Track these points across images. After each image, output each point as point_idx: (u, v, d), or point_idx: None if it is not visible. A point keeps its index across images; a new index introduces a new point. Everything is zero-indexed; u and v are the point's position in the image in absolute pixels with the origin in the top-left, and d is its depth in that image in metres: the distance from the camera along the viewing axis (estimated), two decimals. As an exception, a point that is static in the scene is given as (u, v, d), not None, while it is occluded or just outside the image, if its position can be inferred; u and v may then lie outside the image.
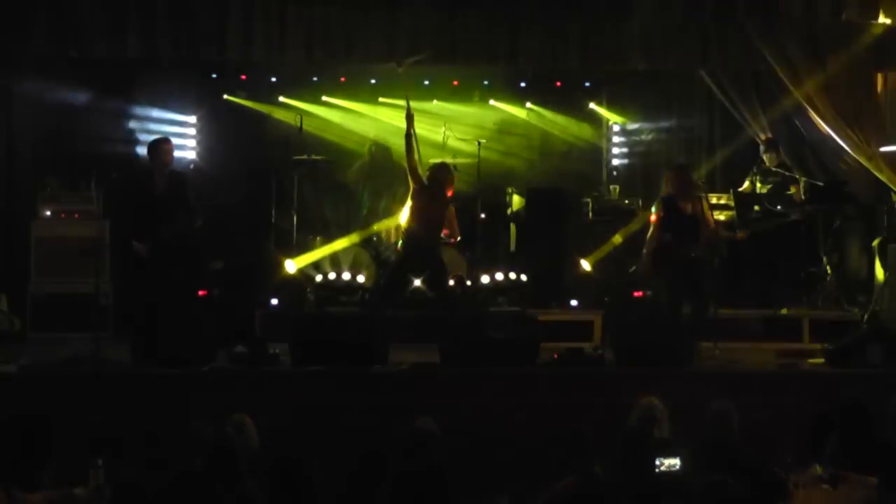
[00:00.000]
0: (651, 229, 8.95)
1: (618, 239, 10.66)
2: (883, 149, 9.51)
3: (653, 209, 9.08)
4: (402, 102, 11.61)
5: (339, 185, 11.46)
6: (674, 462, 4.97)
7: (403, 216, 9.12)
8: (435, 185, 8.84)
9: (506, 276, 10.61)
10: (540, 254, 11.09)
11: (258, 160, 11.49)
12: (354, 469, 4.70)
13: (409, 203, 8.85)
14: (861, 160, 9.92)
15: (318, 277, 9.98)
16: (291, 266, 10.35)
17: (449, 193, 8.92)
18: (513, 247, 11.52)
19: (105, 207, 8.87)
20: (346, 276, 9.91)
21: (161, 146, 8.81)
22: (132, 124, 11.02)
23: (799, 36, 9.31)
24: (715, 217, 9.36)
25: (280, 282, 10.34)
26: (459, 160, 10.90)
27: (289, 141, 10.50)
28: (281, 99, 11.53)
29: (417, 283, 9.44)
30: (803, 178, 10.30)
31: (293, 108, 11.32)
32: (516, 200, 11.51)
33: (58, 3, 8.89)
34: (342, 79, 11.49)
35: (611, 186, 11.72)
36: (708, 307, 8.66)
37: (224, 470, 4.60)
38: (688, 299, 8.69)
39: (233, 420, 5.54)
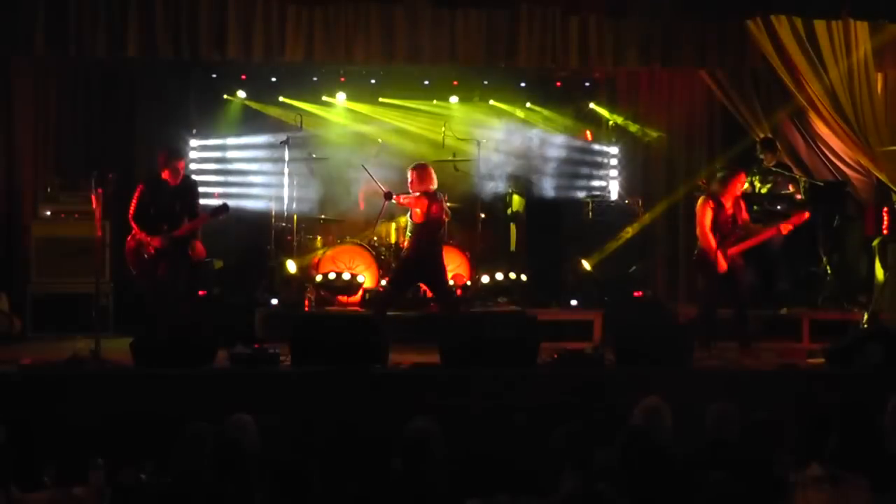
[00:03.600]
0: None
1: (628, 232, 10.72)
2: (883, 149, 9.52)
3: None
4: (402, 102, 11.70)
5: (339, 184, 11.46)
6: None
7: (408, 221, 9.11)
8: (429, 185, 8.85)
9: (506, 276, 10.62)
10: (540, 254, 11.11)
11: (257, 160, 11.50)
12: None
13: (419, 213, 8.78)
14: (861, 160, 9.93)
15: (318, 277, 9.97)
16: (291, 266, 10.36)
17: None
18: (513, 247, 11.52)
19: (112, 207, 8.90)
20: (346, 276, 9.90)
21: (173, 158, 8.79)
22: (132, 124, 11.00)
23: (798, 36, 9.30)
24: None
25: (280, 282, 10.35)
26: (459, 160, 10.90)
27: (289, 141, 10.48)
28: (281, 99, 11.53)
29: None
30: (803, 178, 10.31)
31: (293, 108, 11.32)
32: (516, 200, 11.52)
33: (58, 3, 8.88)
34: (342, 79, 11.48)
35: (611, 186, 11.72)
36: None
37: (228, 469, 4.59)
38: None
39: (233, 420, 5.53)
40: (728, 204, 8.75)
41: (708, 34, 9.69)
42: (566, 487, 5.05)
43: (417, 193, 8.80)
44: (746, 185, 10.31)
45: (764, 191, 10.30)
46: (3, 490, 4.87)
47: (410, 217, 8.96)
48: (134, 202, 8.73)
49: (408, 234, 9.11)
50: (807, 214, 9.13)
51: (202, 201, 9.16)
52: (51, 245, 9.74)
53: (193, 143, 11.36)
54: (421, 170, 8.91)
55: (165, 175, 8.72)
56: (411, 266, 8.92)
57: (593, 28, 9.58)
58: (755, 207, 10.22)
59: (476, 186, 10.87)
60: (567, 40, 9.60)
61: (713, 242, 8.61)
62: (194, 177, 9.54)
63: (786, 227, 8.85)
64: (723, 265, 8.60)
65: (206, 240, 9.62)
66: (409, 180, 8.89)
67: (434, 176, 8.93)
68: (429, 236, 8.85)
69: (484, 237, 11.07)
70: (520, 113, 11.95)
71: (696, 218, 8.79)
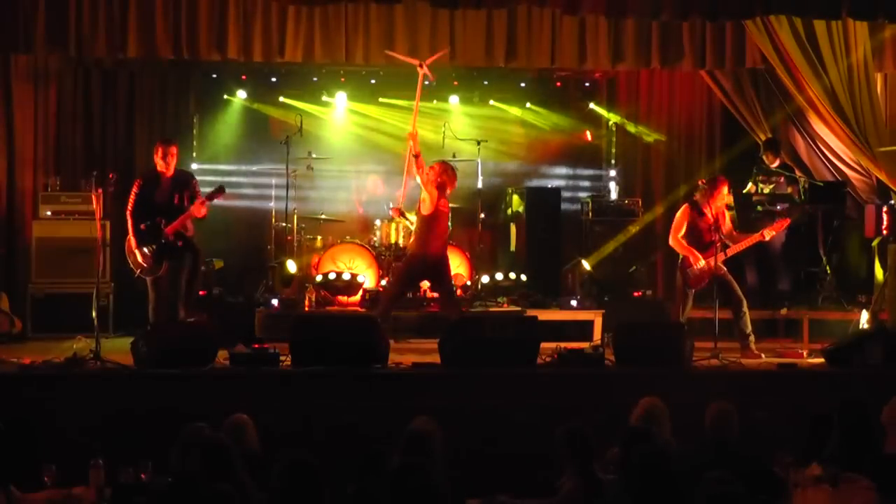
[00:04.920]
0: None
1: (629, 232, 10.84)
2: (883, 149, 9.51)
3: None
4: (402, 102, 11.69)
5: (339, 184, 11.46)
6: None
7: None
8: (449, 183, 8.64)
9: (506, 276, 10.62)
10: (540, 254, 11.11)
11: (258, 160, 11.50)
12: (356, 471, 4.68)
13: (429, 204, 8.49)
14: (861, 160, 9.93)
15: (318, 277, 9.97)
16: (291, 266, 10.36)
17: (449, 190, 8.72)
18: (513, 247, 11.53)
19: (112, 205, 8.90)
20: (346, 276, 9.90)
21: (165, 145, 8.78)
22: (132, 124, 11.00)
23: (798, 36, 9.30)
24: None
25: (280, 282, 10.35)
26: (459, 160, 10.90)
27: (289, 141, 10.48)
28: (281, 99, 11.53)
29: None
30: (803, 178, 10.31)
31: (293, 108, 11.32)
32: (516, 200, 11.51)
33: (58, 2, 8.88)
34: (342, 79, 11.48)
35: (611, 186, 11.72)
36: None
37: (218, 469, 4.58)
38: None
39: (232, 420, 5.53)
40: (710, 213, 8.78)
41: (708, 34, 9.68)
42: (566, 487, 5.06)
43: (436, 182, 8.48)
44: (750, 186, 10.35)
45: (766, 191, 10.30)
46: (3, 490, 4.87)
47: (418, 209, 8.72)
48: (132, 197, 8.70)
49: (411, 228, 9.04)
50: (787, 221, 9.21)
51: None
52: (51, 245, 9.73)
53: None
54: (448, 167, 8.62)
55: (161, 167, 8.68)
56: (418, 262, 8.62)
57: (593, 28, 9.58)
58: (758, 208, 10.24)
59: (476, 186, 10.87)
60: (567, 40, 9.59)
61: (683, 244, 8.78)
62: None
63: (768, 233, 8.92)
64: (697, 259, 8.68)
65: (206, 240, 9.63)
66: (429, 168, 8.52)
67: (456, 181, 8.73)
68: (435, 231, 8.54)
69: (484, 237, 11.08)
70: (520, 113, 11.95)
71: (672, 223, 8.98)
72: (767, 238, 8.98)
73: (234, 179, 11.54)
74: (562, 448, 5.16)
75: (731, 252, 8.84)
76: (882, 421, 5.57)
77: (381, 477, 4.43)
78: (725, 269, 8.77)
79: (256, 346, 7.92)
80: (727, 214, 9.01)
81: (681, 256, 8.89)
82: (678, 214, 9.00)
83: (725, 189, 8.90)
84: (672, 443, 5.67)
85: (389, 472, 4.37)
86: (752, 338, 8.72)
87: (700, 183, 9.48)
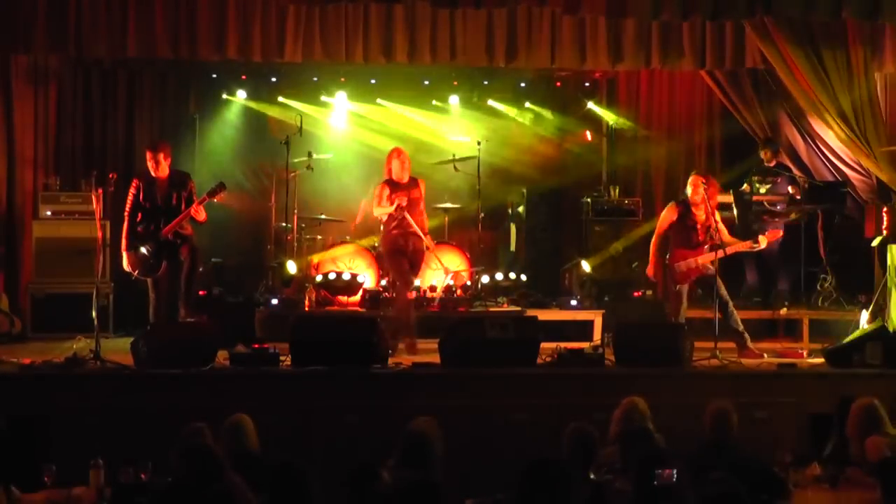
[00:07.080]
0: None
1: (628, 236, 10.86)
2: (883, 149, 9.51)
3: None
4: (402, 102, 11.69)
5: (339, 184, 11.45)
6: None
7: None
8: None
9: (506, 276, 10.62)
10: (540, 253, 11.11)
11: (258, 160, 11.49)
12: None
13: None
14: (861, 160, 9.92)
15: (318, 277, 9.97)
16: (291, 266, 10.35)
17: None
18: (513, 247, 11.52)
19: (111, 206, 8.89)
20: (346, 276, 9.89)
21: (155, 150, 8.78)
22: (132, 124, 11.00)
23: (798, 36, 9.29)
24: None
25: (280, 282, 10.35)
26: (459, 160, 10.90)
27: (288, 141, 10.47)
28: (281, 99, 11.52)
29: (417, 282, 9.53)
30: (803, 178, 10.31)
31: (293, 108, 11.31)
32: (516, 200, 11.51)
33: (58, 2, 8.87)
34: (342, 79, 11.47)
35: (611, 187, 11.73)
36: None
37: (205, 474, 4.56)
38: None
39: (232, 420, 5.53)
40: (699, 211, 8.78)
41: (708, 34, 9.68)
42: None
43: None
44: (747, 185, 10.35)
45: (763, 191, 10.30)
46: (4, 490, 4.87)
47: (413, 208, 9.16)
48: (130, 197, 8.70)
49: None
50: (780, 232, 9.50)
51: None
52: (51, 245, 9.73)
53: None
54: None
55: (154, 169, 8.69)
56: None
57: (592, 28, 9.57)
58: (754, 208, 10.24)
59: (476, 186, 10.87)
60: (567, 40, 9.59)
61: (652, 247, 9.04)
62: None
63: (763, 240, 8.92)
64: (650, 271, 9.01)
65: (207, 240, 9.62)
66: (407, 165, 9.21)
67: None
68: None
69: (484, 237, 11.08)
70: (519, 113, 11.94)
71: None
72: (763, 245, 8.96)
73: (233, 179, 11.54)
74: (567, 448, 5.17)
75: (717, 255, 8.72)
76: (847, 434, 5.58)
77: (372, 494, 4.39)
78: (714, 269, 8.70)
79: (256, 346, 7.92)
80: (717, 216, 8.96)
81: (669, 253, 8.95)
82: (663, 212, 9.11)
83: (695, 182, 8.84)
84: (659, 440, 5.68)
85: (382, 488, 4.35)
86: (746, 336, 8.71)
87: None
